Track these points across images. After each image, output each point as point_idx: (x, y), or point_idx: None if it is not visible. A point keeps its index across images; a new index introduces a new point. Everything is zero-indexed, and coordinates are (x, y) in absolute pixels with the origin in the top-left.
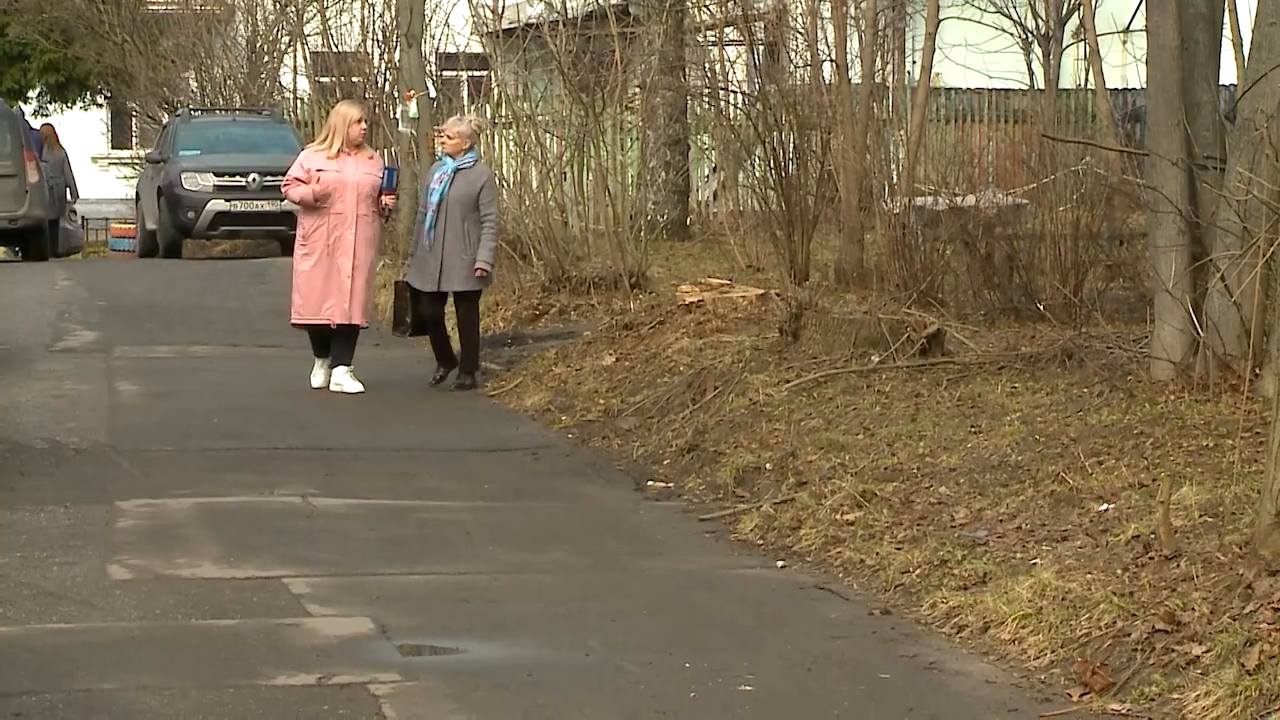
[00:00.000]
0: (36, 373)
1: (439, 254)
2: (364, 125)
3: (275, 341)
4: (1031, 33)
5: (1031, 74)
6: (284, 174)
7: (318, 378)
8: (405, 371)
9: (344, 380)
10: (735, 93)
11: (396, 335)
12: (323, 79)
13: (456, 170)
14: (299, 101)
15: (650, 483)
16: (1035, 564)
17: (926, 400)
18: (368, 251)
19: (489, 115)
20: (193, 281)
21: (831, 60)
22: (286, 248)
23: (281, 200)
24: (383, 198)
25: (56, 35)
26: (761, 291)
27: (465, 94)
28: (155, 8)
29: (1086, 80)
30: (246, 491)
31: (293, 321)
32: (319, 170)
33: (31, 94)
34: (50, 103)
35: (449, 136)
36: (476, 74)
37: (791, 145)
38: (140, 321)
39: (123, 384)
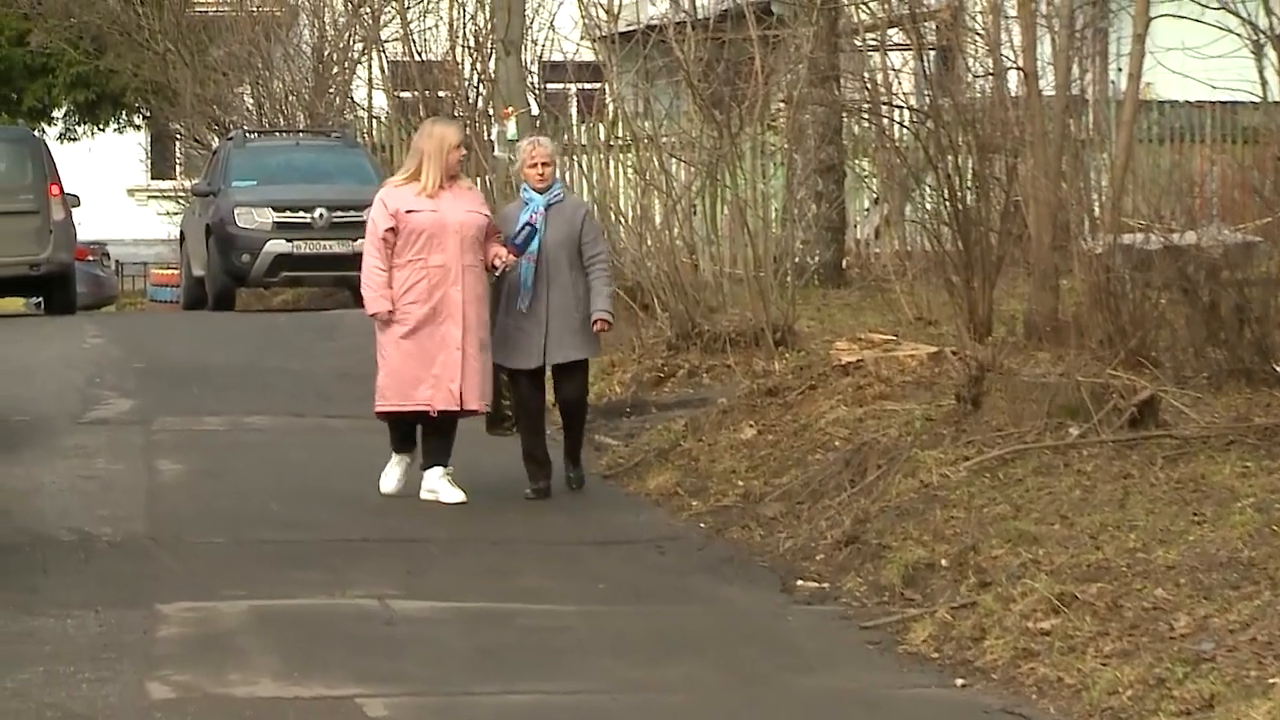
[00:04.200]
0: (62, 449)
1: (541, 317)
2: (463, 151)
3: (346, 411)
4: (1264, 33)
5: (1264, 83)
6: (356, 209)
7: (392, 479)
8: (500, 447)
9: (441, 487)
10: (901, 108)
11: (498, 435)
12: (403, 94)
13: (549, 207)
14: (375, 121)
15: (800, 582)
16: (1274, 684)
17: (1138, 482)
18: (479, 313)
19: (602, 136)
20: (248, 338)
21: (1018, 68)
22: (360, 297)
23: (355, 240)
24: (505, 254)
25: (86, 44)
26: (934, 349)
27: (574, 111)
28: (204, 10)
29: None
30: (312, 592)
31: (379, 409)
32: (409, 211)
33: (57, 114)
34: (79, 124)
35: (543, 163)
36: (587, 87)
37: (970, 171)
38: (185, 386)
39: (164, 462)
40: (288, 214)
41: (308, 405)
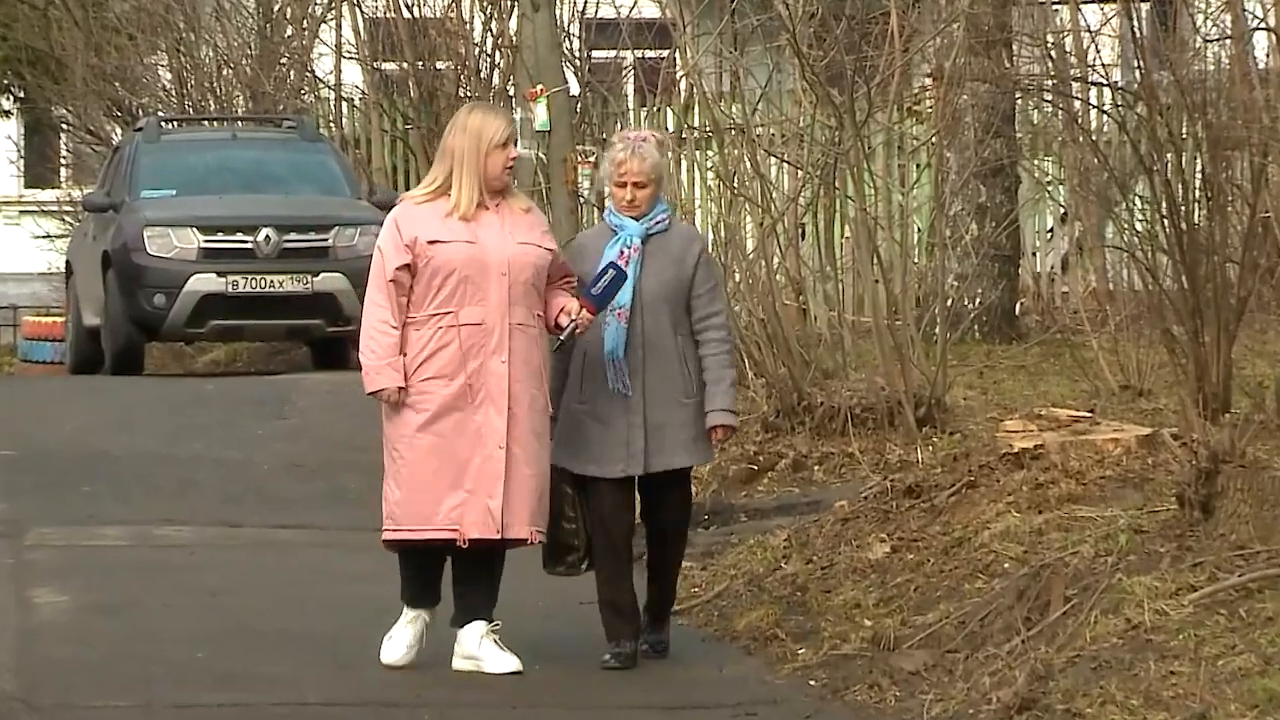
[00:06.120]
0: None
1: (634, 403)
2: (514, 152)
3: (302, 519)
4: None
5: None
6: (318, 230)
7: (400, 644)
8: (516, 569)
9: (485, 652)
10: (1100, 85)
11: (560, 574)
12: (387, 65)
13: (647, 238)
14: (345, 104)
15: None
16: None
17: None
18: (533, 395)
19: (670, 126)
20: (163, 415)
21: (1268, 29)
22: (326, 355)
23: (316, 275)
24: (576, 309)
25: None
26: (1147, 431)
27: (631, 91)
28: None
29: None
30: None
31: (388, 536)
32: (433, 241)
33: None
34: None
35: (635, 184)
36: (650, 56)
37: (1198, 176)
38: (73, 484)
39: (42, 592)
40: (220, 237)
41: (247, 511)
